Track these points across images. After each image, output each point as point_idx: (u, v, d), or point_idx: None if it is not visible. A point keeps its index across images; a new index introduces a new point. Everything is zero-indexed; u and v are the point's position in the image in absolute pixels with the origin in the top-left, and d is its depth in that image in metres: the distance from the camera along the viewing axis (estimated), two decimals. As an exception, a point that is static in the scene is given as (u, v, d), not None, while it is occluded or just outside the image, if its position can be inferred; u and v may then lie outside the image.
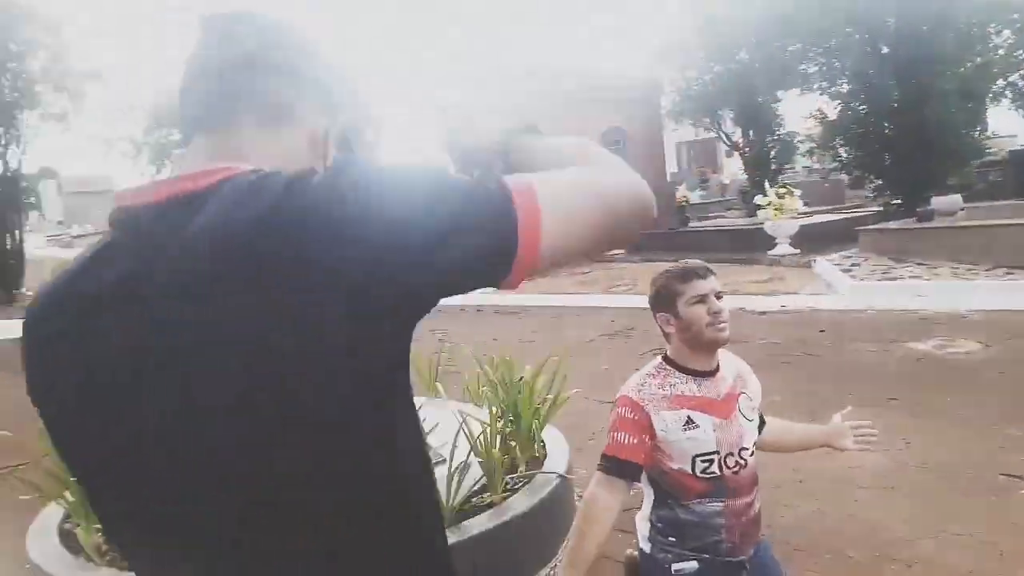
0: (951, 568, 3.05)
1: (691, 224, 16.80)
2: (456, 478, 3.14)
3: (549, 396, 3.97)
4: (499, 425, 3.59)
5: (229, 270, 0.71)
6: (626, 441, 2.10)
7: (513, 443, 3.71)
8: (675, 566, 2.25)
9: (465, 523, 3.06)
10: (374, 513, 0.79)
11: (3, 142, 13.51)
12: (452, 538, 2.95)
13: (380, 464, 0.78)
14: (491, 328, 9.24)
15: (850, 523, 3.49)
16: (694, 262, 2.31)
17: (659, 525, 2.28)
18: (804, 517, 3.58)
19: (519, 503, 3.23)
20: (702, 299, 2.18)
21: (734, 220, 17.08)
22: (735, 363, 2.38)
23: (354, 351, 0.71)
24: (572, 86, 15.67)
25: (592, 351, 7.36)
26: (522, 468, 3.61)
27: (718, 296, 2.22)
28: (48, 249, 37.89)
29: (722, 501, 2.21)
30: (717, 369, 2.28)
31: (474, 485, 3.32)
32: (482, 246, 0.75)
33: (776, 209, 12.28)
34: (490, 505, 3.26)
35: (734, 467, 2.22)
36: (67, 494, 3.15)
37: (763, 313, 9.07)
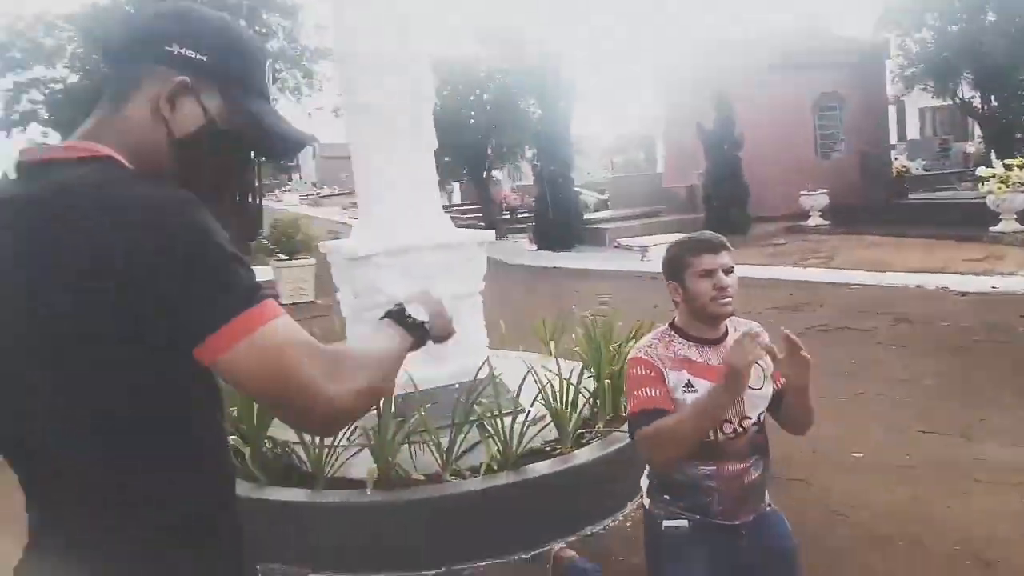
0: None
1: (911, 196, 15.43)
2: (524, 427, 3.37)
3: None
4: (578, 382, 3.75)
5: (41, 239, 0.93)
6: (651, 393, 2.16)
7: (597, 400, 3.86)
8: (666, 523, 2.34)
9: (526, 467, 3.28)
10: (153, 428, 1.00)
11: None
12: (511, 479, 3.21)
13: (156, 389, 0.98)
14: (659, 296, 9.22)
15: (945, 515, 3.27)
16: (708, 235, 2.34)
17: (655, 483, 2.37)
18: (896, 503, 3.41)
19: (583, 455, 3.40)
20: (709, 273, 2.21)
21: (962, 193, 15.44)
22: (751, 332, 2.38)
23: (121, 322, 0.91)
24: (775, 55, 14.92)
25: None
26: (599, 425, 3.75)
27: (727, 271, 2.24)
28: (300, 207, 42.26)
29: (714, 465, 2.26)
30: (724, 337, 2.30)
31: (537, 434, 3.49)
32: (204, 299, 0.92)
33: (1001, 182, 10.98)
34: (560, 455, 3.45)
35: (730, 433, 2.26)
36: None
37: (964, 294, 8.29)
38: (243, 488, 3.29)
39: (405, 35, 3.84)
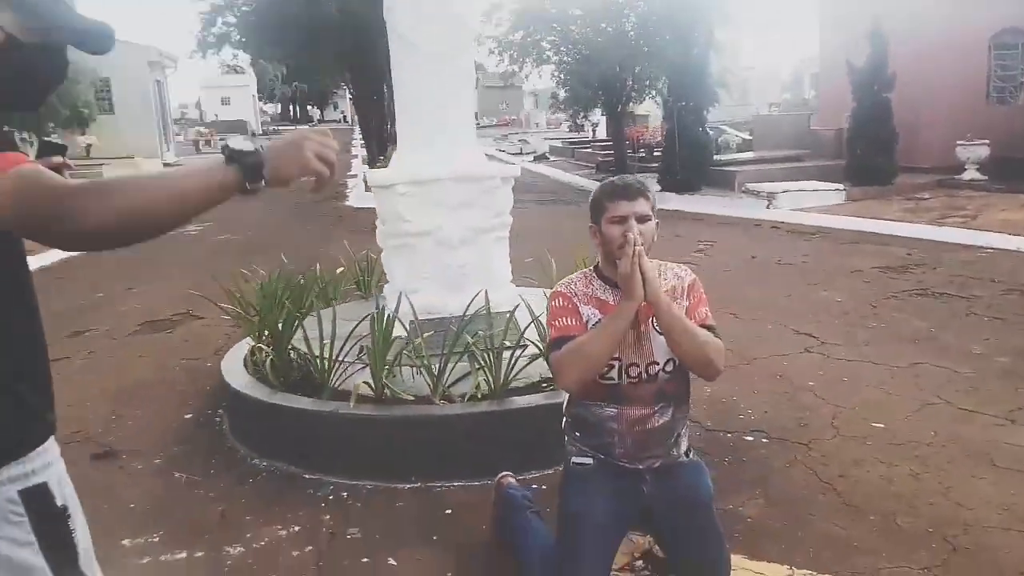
0: (997, 560, 2.66)
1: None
2: (513, 360, 3.48)
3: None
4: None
5: None
6: (568, 322, 2.29)
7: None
8: (574, 459, 2.44)
9: (509, 398, 3.41)
10: None
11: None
12: (490, 407, 3.35)
13: None
14: (764, 246, 8.89)
15: (936, 496, 3.11)
16: (628, 180, 2.34)
17: (569, 420, 2.46)
18: (891, 478, 3.26)
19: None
20: (621, 220, 2.25)
21: None
22: (676, 278, 2.38)
23: None
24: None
25: (843, 284, 6.81)
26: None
27: (642, 219, 2.25)
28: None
29: (616, 408, 2.31)
30: (640, 282, 2.30)
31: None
32: None
33: None
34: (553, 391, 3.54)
35: (635, 377, 2.29)
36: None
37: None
38: (261, 392, 3.65)
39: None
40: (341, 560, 2.78)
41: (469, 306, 3.59)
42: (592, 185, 15.84)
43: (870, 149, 12.71)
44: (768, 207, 11.87)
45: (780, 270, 7.54)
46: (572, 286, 2.40)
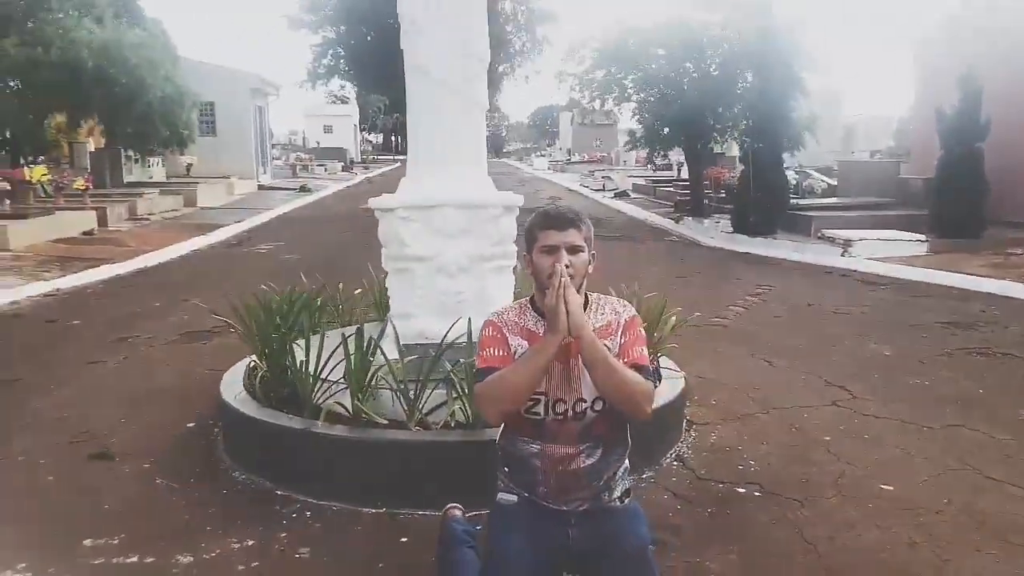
0: None
1: None
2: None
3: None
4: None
5: None
6: (493, 353, 2.23)
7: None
8: (500, 495, 2.35)
9: (482, 429, 3.33)
10: None
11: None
12: (460, 437, 3.28)
13: None
14: (826, 294, 8.50)
15: (928, 567, 2.85)
16: (561, 209, 2.28)
17: (499, 453, 2.38)
18: (882, 543, 3.01)
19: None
20: (551, 250, 2.18)
21: None
22: (613, 313, 2.28)
23: None
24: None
25: (898, 337, 6.42)
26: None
27: (573, 250, 2.18)
28: (545, 172, 43.50)
29: (539, 444, 2.23)
30: (577, 316, 2.22)
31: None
32: None
33: None
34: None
35: (561, 414, 2.20)
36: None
37: None
38: (246, 406, 3.70)
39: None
40: (281, 579, 2.75)
41: (448, 333, 3.55)
42: (667, 224, 15.60)
43: (957, 200, 12.05)
44: (843, 255, 11.39)
45: (834, 319, 7.18)
46: (504, 316, 2.33)
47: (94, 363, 5.51)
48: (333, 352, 3.55)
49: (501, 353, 2.23)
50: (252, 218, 16.70)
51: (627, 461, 2.38)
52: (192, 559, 2.87)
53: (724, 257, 11.75)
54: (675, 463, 3.78)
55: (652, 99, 16.59)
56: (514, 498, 2.32)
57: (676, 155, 23.61)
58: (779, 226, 13.20)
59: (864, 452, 3.93)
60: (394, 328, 3.68)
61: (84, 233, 12.68)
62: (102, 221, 13.60)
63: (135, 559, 2.87)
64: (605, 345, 2.17)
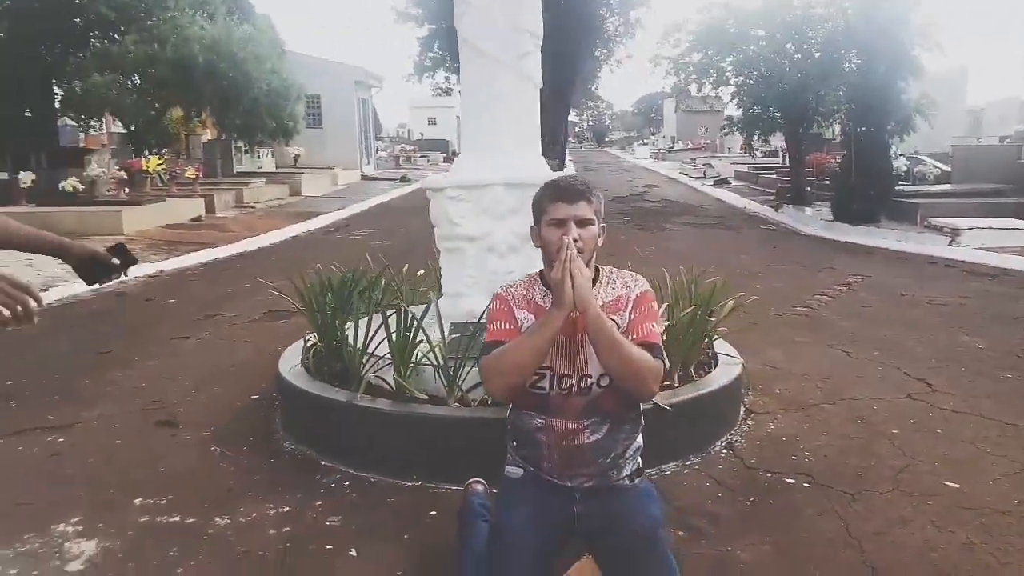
0: None
1: None
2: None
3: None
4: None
5: None
6: (500, 327, 2.23)
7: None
8: (507, 468, 2.34)
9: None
10: None
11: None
12: (491, 414, 3.27)
13: None
14: (924, 285, 8.01)
15: (985, 568, 2.65)
16: (571, 181, 2.22)
17: (509, 427, 2.36)
18: (935, 543, 2.81)
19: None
20: (560, 223, 2.14)
21: None
22: (624, 288, 2.22)
23: None
24: None
25: (994, 331, 5.97)
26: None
27: (582, 223, 2.13)
28: (647, 160, 42.96)
29: (543, 419, 2.20)
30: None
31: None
32: None
33: None
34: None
35: (566, 389, 2.17)
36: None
37: None
38: (298, 379, 3.81)
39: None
40: (307, 544, 2.82)
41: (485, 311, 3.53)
42: (766, 212, 15.08)
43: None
44: (950, 244, 10.69)
45: (927, 310, 6.76)
46: (512, 289, 2.30)
47: (178, 339, 5.81)
48: (378, 329, 3.61)
49: (508, 327, 2.21)
50: (352, 206, 17.19)
51: (640, 440, 2.31)
52: (228, 521, 2.98)
53: (820, 246, 11.26)
54: (724, 451, 3.65)
55: (751, 82, 16.05)
56: (520, 472, 2.30)
57: (781, 141, 22.82)
58: (883, 214, 12.52)
59: (933, 447, 3.69)
60: (437, 308, 3.70)
61: (192, 219, 13.37)
62: (210, 208, 14.30)
63: (177, 519, 3.01)
64: (613, 320, 2.12)
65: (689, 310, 3.83)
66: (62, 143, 19.67)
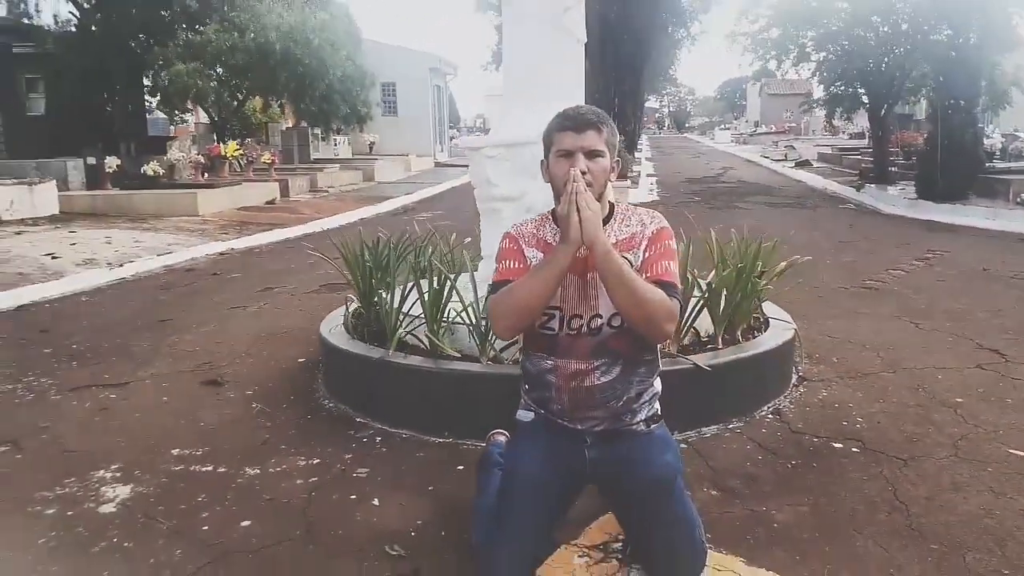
0: None
1: None
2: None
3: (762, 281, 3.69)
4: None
5: None
6: (510, 266, 2.17)
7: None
8: (519, 412, 2.28)
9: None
10: None
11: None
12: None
13: None
14: (1008, 260, 7.54)
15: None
16: (582, 110, 2.13)
17: (520, 372, 2.29)
18: (987, 508, 2.61)
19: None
20: (568, 154, 2.05)
21: None
22: (639, 225, 2.11)
23: None
24: None
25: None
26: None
27: (591, 154, 2.03)
28: (728, 145, 41.90)
29: (553, 360, 2.12)
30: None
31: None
32: None
33: None
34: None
35: (575, 329, 2.09)
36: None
37: None
38: (337, 338, 3.83)
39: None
40: (332, 494, 2.82)
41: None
42: (847, 192, 14.53)
43: None
44: (1043, 220, 10.07)
45: (1010, 284, 6.36)
46: (522, 228, 2.23)
47: (236, 308, 5.94)
48: (412, 289, 3.60)
49: (517, 265, 2.14)
50: (421, 191, 17.34)
51: (657, 385, 2.21)
52: (259, 471, 3.01)
53: (901, 224, 10.76)
54: (770, 416, 3.49)
55: (833, 58, 15.43)
56: (531, 415, 2.23)
57: (866, 122, 21.95)
58: (972, 191, 11.87)
59: (999, 415, 3.45)
60: (471, 270, 3.66)
61: (267, 202, 13.71)
62: (284, 192, 14.64)
63: (209, 468, 3.06)
64: (625, 258, 2.02)
65: (732, 268, 3.67)
66: (152, 133, 20.51)
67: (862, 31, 14.55)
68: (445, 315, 3.50)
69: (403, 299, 3.63)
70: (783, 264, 4.00)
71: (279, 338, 5.00)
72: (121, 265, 7.80)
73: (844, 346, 4.52)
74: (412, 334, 3.56)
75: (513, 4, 3.92)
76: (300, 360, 4.48)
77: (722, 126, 65.36)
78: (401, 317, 3.60)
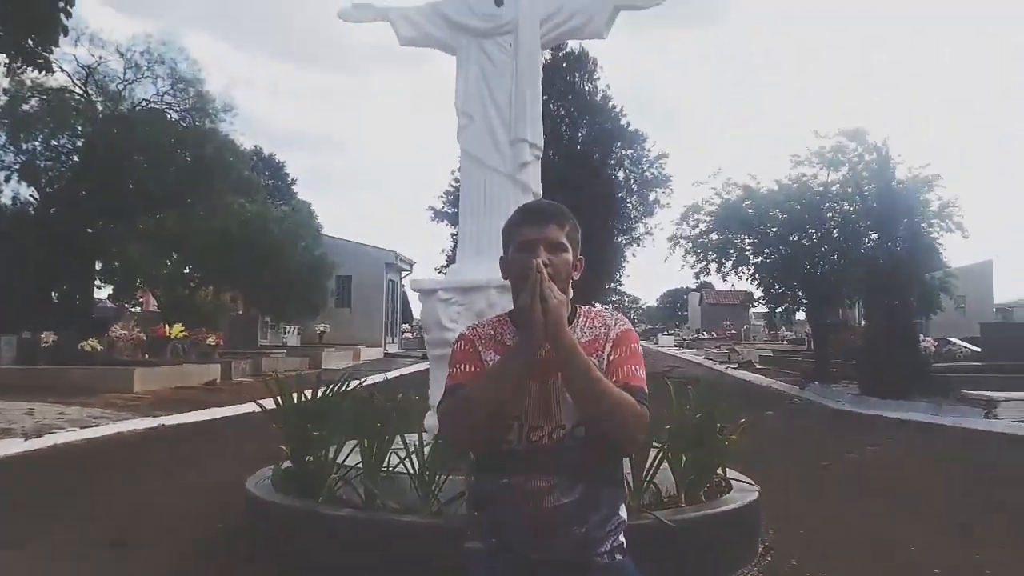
0: None
1: None
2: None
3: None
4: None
5: None
6: (465, 369, 1.93)
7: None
8: (467, 543, 1.97)
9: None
10: None
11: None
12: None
13: None
14: (953, 447, 7.50)
15: None
16: (542, 204, 2.03)
17: (467, 494, 2.02)
18: None
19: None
20: (529, 245, 1.91)
21: None
22: (603, 327, 1.94)
23: None
24: None
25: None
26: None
27: (552, 248, 1.90)
28: (671, 349, 42.63)
29: (509, 478, 1.85)
30: (562, 328, 1.91)
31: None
32: None
33: None
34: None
35: (535, 443, 1.84)
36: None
37: None
38: (267, 493, 3.48)
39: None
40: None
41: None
42: (792, 390, 14.62)
43: None
44: (986, 416, 10.17)
45: (965, 468, 6.26)
46: (480, 329, 2.03)
47: (159, 479, 5.47)
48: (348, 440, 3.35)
49: (473, 369, 1.92)
50: (366, 378, 17.00)
51: (623, 513, 1.95)
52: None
53: (849, 417, 10.80)
54: (741, 584, 3.17)
55: (769, 262, 16.19)
56: (479, 545, 1.92)
57: (807, 327, 22.78)
58: (914, 388, 12.07)
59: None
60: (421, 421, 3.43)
61: (206, 383, 13.25)
62: (225, 375, 14.22)
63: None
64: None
65: (692, 412, 3.49)
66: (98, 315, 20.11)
67: (797, 236, 15.39)
68: (385, 464, 3.20)
69: (338, 448, 3.34)
70: (743, 421, 3.84)
71: (202, 506, 4.55)
72: (39, 436, 7.25)
73: (809, 518, 4.28)
74: (348, 484, 3.24)
75: (471, 157, 3.99)
76: (219, 526, 4.04)
77: (665, 332, 67.17)
78: (335, 469, 3.29)
